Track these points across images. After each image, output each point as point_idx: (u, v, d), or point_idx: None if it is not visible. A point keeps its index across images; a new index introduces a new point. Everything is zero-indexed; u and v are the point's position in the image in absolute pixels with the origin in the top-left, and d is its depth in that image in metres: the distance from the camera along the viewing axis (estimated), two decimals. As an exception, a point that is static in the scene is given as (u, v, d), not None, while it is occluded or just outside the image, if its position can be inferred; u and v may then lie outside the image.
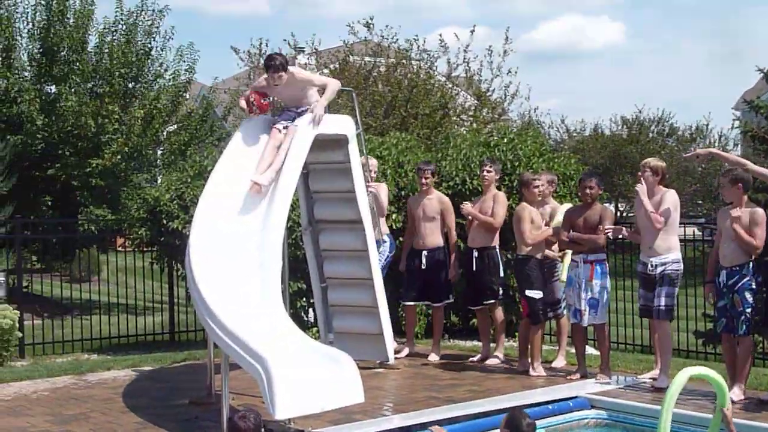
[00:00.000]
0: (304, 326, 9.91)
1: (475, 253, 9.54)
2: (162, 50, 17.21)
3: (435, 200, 9.88)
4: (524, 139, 11.56)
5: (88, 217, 15.43)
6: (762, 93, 25.91)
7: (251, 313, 6.81)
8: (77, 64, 16.12)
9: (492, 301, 9.59)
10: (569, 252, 9.01)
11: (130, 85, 16.77)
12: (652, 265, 8.23)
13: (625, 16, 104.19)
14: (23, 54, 16.40)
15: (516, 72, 21.68)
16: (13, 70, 15.81)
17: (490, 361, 9.59)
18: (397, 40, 21.00)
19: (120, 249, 16.27)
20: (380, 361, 9.21)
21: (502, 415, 6.86)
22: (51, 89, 16.35)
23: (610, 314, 9.36)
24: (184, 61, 17.34)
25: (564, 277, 9.11)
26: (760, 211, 7.73)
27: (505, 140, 11.49)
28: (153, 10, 16.89)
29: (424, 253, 9.82)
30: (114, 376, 9.29)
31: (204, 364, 8.48)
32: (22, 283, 11.65)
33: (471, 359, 9.85)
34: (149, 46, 16.86)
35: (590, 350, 9.48)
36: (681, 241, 8.72)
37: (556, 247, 9.23)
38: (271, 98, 8.34)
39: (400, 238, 10.58)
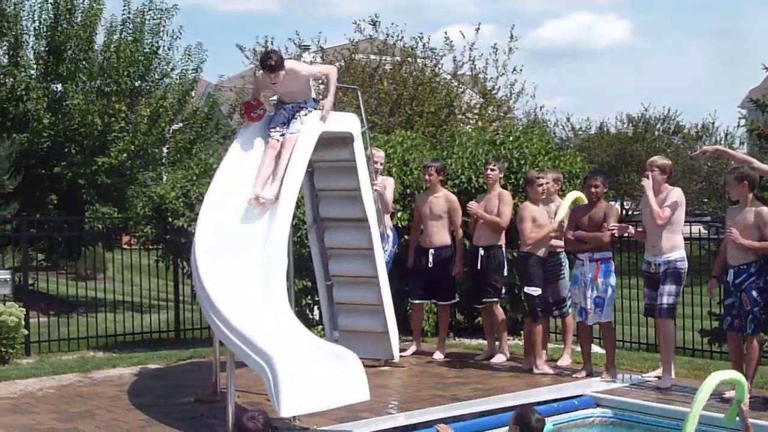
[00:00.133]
0: (310, 324, 9.92)
1: (482, 252, 9.55)
2: (169, 49, 17.25)
3: (442, 198, 9.87)
4: (530, 137, 11.54)
5: (94, 215, 15.45)
6: (768, 91, 25.85)
7: (256, 311, 6.82)
8: (84, 62, 16.15)
9: (494, 299, 9.58)
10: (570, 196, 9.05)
11: (136, 84, 16.79)
12: (655, 264, 8.23)
13: (632, 14, 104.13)
14: (29, 52, 16.41)
15: (521, 70, 21.72)
16: (19, 68, 15.83)
17: (496, 360, 9.58)
18: (403, 38, 21.05)
19: (126, 247, 16.29)
20: (385, 359, 9.22)
21: (508, 413, 6.88)
22: (57, 87, 16.36)
23: (616, 313, 9.37)
24: (192, 61, 17.39)
25: (561, 216, 9.08)
26: (766, 210, 7.71)
27: (511, 138, 11.48)
28: (161, 9, 16.91)
29: (431, 251, 9.81)
30: (119, 374, 9.30)
31: (209, 362, 8.49)
32: (28, 280, 11.67)
33: (476, 357, 9.85)
34: (156, 45, 16.87)
35: (596, 349, 9.48)
36: (686, 239, 8.72)
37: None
38: (261, 110, 8.19)
39: (405, 236, 10.58)
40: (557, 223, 9.02)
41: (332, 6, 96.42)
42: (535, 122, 27.98)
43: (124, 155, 15.76)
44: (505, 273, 9.60)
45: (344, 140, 8.66)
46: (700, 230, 11.78)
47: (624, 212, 32.35)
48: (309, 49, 22.26)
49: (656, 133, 35.29)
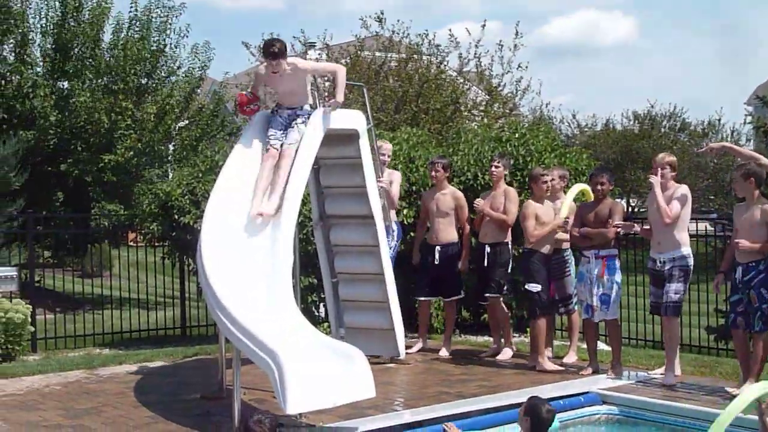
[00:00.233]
0: (315, 321, 9.92)
1: (488, 249, 9.54)
2: (176, 47, 17.27)
3: (449, 195, 9.87)
4: (536, 135, 11.53)
5: (101, 213, 15.48)
6: (775, 88, 25.81)
7: (262, 308, 6.82)
8: (91, 60, 16.17)
9: (495, 294, 9.57)
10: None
11: (143, 81, 16.81)
12: (661, 261, 8.22)
13: (637, 11, 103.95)
14: (36, 50, 16.43)
15: (527, 67, 21.68)
16: (26, 66, 15.85)
17: (501, 357, 9.58)
18: (409, 35, 21.03)
19: (132, 244, 16.36)
20: (391, 356, 9.22)
21: (514, 410, 6.89)
22: (64, 85, 16.38)
23: (622, 310, 9.36)
24: (199, 59, 17.39)
25: (566, 208, 9.07)
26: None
27: (517, 135, 11.47)
28: (168, 7, 16.92)
29: (438, 248, 9.81)
30: (125, 371, 9.31)
31: (215, 359, 8.51)
32: (34, 277, 11.69)
33: (482, 354, 9.85)
34: (163, 42, 16.88)
35: (602, 346, 9.47)
36: (693, 236, 8.69)
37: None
38: (256, 105, 8.15)
39: (411, 233, 10.58)
40: (561, 219, 9.01)
41: (337, 4, 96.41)
42: (540, 119, 27.93)
43: (131, 153, 15.77)
44: (509, 270, 9.59)
45: (350, 137, 8.65)
46: (706, 227, 11.77)
47: (630, 209, 32.31)
48: (315, 46, 22.25)
49: (662, 130, 35.27)
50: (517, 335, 10.48)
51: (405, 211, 10.85)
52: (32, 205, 14.17)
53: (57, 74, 16.26)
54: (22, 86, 15.62)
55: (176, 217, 10.81)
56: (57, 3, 16.14)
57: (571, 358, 9.40)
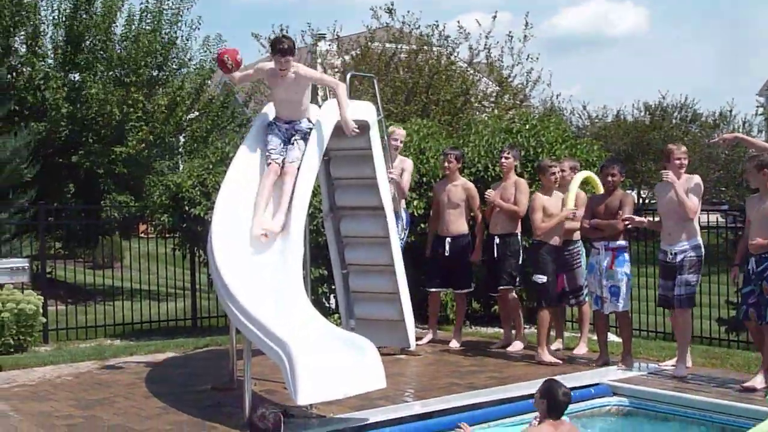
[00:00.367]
0: (326, 312, 9.93)
1: (497, 240, 9.53)
2: (187, 39, 17.27)
3: (460, 187, 9.86)
4: (546, 126, 11.50)
5: (112, 204, 15.52)
6: (787, 79, 25.67)
7: (273, 299, 6.83)
8: (102, 52, 16.19)
9: (509, 286, 9.56)
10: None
11: (154, 73, 16.82)
12: (671, 253, 8.19)
13: (648, 1, 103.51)
14: (48, 42, 16.46)
15: (537, 58, 21.60)
16: (38, 58, 15.88)
17: (512, 348, 9.56)
18: (419, 26, 20.98)
19: (143, 235, 16.37)
20: (402, 347, 9.22)
21: (524, 401, 6.91)
22: (75, 77, 16.41)
23: (633, 301, 9.33)
24: (210, 52, 17.38)
25: (572, 196, 9.05)
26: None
27: (527, 127, 11.44)
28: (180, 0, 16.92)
29: (448, 240, 9.81)
30: (137, 362, 9.35)
31: (226, 350, 8.52)
32: (45, 269, 11.75)
33: (492, 346, 9.85)
34: (174, 35, 16.89)
35: (612, 337, 9.46)
36: (704, 228, 8.65)
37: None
38: (232, 65, 7.66)
39: (421, 225, 10.57)
40: (569, 210, 8.98)
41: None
42: (551, 110, 27.83)
43: (142, 145, 15.80)
44: (520, 261, 9.58)
45: (360, 128, 8.61)
46: (717, 219, 11.73)
47: (641, 201, 32.20)
48: (325, 38, 22.22)
49: (673, 121, 35.07)
50: (528, 327, 10.47)
51: (415, 203, 10.84)
52: (44, 197, 14.22)
53: (68, 66, 16.30)
54: (34, 78, 15.65)
55: (187, 208, 10.83)
56: (70, -6, 16.17)
57: (581, 349, 9.39)
